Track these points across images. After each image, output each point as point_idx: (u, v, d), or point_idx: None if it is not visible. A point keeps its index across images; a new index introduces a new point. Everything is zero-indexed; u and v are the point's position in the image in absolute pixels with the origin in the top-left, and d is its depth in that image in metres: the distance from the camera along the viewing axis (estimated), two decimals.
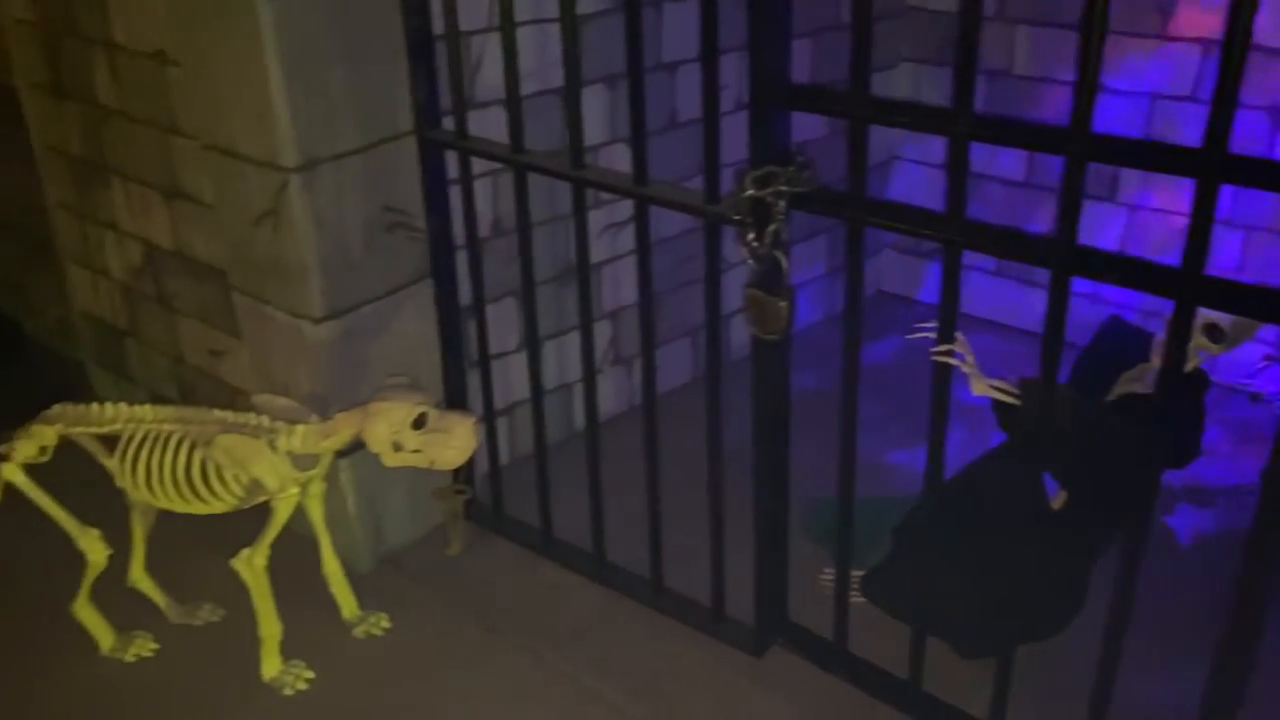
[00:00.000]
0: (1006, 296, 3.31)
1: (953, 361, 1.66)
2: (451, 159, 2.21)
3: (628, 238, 2.75)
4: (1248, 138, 2.79)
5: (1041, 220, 3.16)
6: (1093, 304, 2.91)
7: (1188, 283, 1.31)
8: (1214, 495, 2.56)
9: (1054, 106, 3.10)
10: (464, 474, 2.42)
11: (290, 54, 1.96)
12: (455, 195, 2.24)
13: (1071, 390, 2.01)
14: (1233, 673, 1.51)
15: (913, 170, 3.45)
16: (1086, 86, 1.29)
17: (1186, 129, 2.86)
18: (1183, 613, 2.10)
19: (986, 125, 1.46)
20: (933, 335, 1.66)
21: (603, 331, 2.85)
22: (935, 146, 3.39)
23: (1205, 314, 1.83)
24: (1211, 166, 1.22)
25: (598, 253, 2.75)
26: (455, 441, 1.87)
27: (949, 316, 1.62)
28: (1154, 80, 2.90)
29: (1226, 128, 1.21)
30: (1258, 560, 1.41)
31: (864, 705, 2.01)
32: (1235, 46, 1.16)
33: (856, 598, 2.11)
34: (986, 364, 1.90)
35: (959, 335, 1.69)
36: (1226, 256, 2.90)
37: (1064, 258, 1.41)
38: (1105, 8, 1.27)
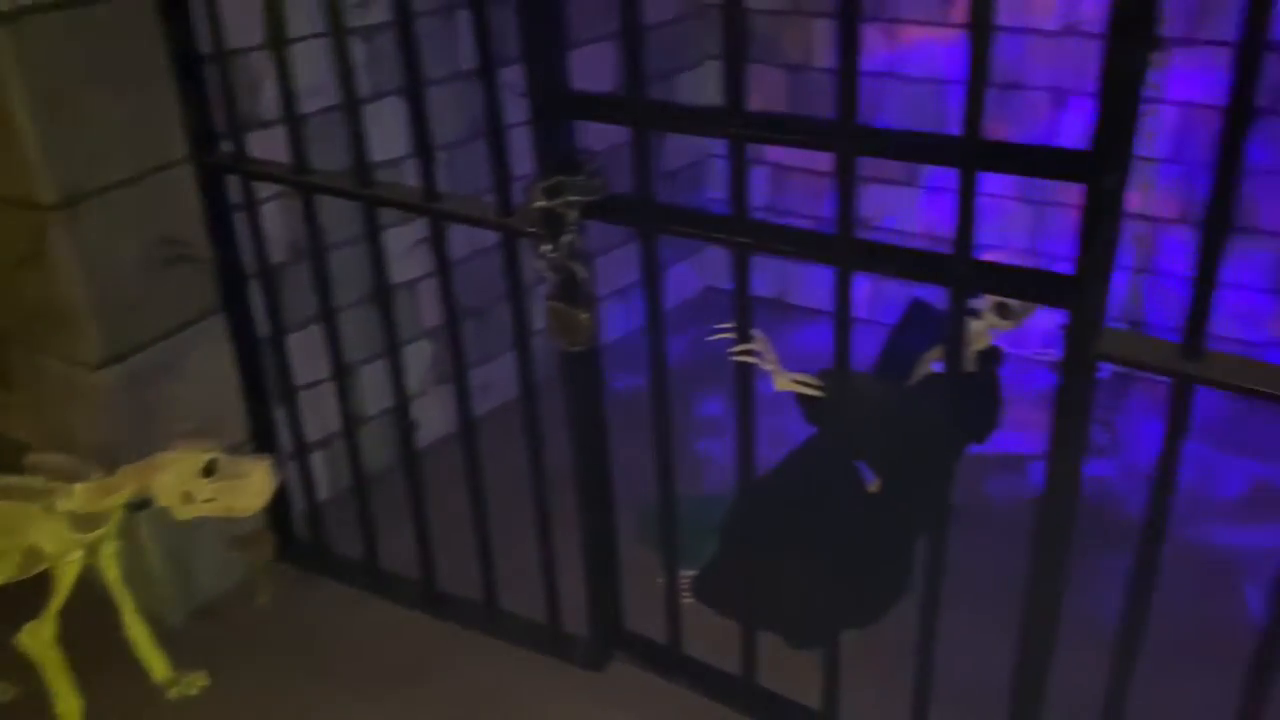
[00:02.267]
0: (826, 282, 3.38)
1: (753, 360, 1.66)
2: (235, 184, 2.09)
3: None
4: (1030, 118, 2.93)
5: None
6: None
7: (959, 271, 1.33)
8: (1024, 461, 2.67)
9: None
10: (269, 518, 2.29)
11: (36, 79, 1.80)
12: (244, 222, 2.12)
13: (871, 377, 2.05)
14: (1039, 636, 1.55)
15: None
16: (847, 84, 1.30)
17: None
18: (1004, 580, 2.17)
19: (758, 124, 1.45)
20: (731, 336, 1.66)
21: (423, 350, 2.76)
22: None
23: None
24: (969, 157, 1.25)
25: (412, 268, 2.67)
26: (252, 487, 1.76)
27: (744, 317, 1.62)
28: (940, 65, 3.00)
29: (979, 118, 1.23)
30: (1050, 525, 1.45)
31: (705, 709, 2.01)
32: (979, 40, 1.19)
33: (689, 600, 2.11)
34: (808, 352, 1.90)
35: (757, 333, 1.69)
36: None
37: (845, 254, 1.43)
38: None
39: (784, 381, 1.78)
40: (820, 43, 3.18)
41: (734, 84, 1.42)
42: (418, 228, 2.64)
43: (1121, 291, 2.98)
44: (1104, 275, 1.26)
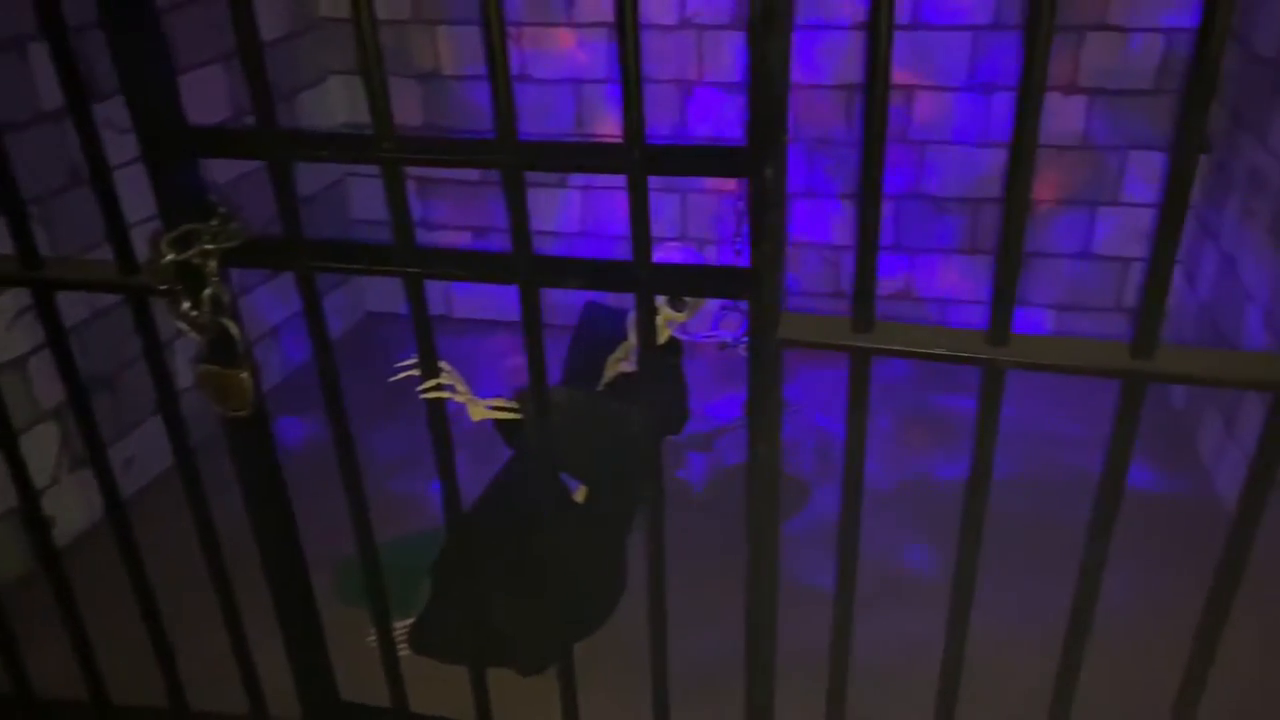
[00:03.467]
0: (490, 294, 3.34)
1: (444, 395, 1.57)
2: None
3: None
4: (663, 110, 3.04)
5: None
6: None
7: (640, 276, 1.33)
8: (709, 439, 2.78)
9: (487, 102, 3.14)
10: None
11: None
12: None
13: (564, 389, 2.03)
14: (763, 603, 1.58)
15: (370, 183, 3.33)
16: (501, 100, 1.24)
17: (615, 110, 3.05)
18: (717, 554, 2.23)
19: (415, 147, 1.36)
20: (416, 372, 1.55)
21: (48, 434, 2.39)
22: None
23: None
24: (638, 164, 1.24)
25: (18, 342, 2.31)
26: None
27: (427, 351, 1.52)
28: (574, 67, 3.04)
29: (640, 127, 1.22)
30: (758, 500, 1.48)
31: None
32: (630, 51, 1.17)
33: (407, 653, 1.98)
34: (484, 365, 1.84)
35: (444, 365, 1.60)
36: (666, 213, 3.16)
37: (528, 273, 1.37)
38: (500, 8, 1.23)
39: (480, 411, 1.70)
40: (447, 49, 3.10)
41: (378, 105, 1.32)
42: (18, 296, 2.28)
43: None
44: (777, 264, 1.30)
